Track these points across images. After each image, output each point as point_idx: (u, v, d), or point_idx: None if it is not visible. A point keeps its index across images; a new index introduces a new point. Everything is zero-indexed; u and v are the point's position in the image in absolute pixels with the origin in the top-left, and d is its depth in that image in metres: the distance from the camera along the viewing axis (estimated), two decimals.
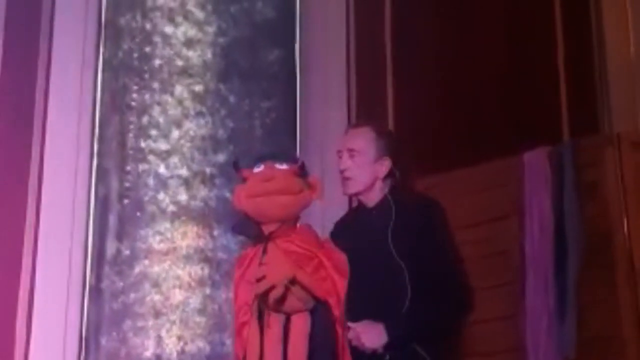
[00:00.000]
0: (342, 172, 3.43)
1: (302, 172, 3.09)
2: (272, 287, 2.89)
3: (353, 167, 3.41)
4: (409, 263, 3.24)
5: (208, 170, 4.77)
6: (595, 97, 4.55)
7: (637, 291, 3.98)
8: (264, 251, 3.02)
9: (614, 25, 4.63)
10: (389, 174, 3.46)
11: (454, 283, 3.29)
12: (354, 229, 3.37)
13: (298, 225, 3.16)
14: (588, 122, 4.51)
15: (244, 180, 3.08)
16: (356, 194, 3.44)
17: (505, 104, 4.71)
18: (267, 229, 3.04)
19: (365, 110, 4.94)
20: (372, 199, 3.43)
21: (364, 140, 3.44)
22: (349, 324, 3.11)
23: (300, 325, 2.94)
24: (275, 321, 2.94)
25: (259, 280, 2.93)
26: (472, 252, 3.98)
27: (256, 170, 3.06)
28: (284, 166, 3.07)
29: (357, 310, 3.12)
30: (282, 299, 2.90)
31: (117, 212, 4.68)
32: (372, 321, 3.21)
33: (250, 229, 3.08)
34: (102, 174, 4.74)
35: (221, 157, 4.79)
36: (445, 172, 4.47)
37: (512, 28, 4.82)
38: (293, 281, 2.89)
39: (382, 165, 3.43)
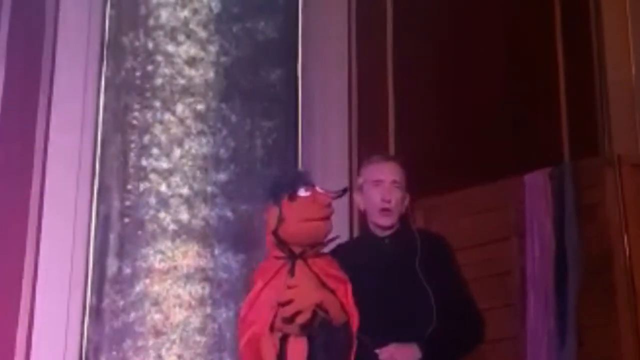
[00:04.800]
0: (387, 202, 3.40)
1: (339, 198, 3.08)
2: (299, 312, 2.87)
3: (397, 199, 3.41)
4: (433, 289, 3.26)
5: (209, 189, 4.77)
6: (595, 119, 4.56)
7: (638, 313, 3.97)
8: (292, 268, 2.97)
9: (614, 47, 4.64)
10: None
11: (470, 315, 3.33)
12: (366, 256, 3.36)
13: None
14: (588, 144, 4.51)
15: (290, 201, 2.99)
16: (391, 227, 3.43)
17: (506, 126, 4.72)
18: (296, 249, 2.99)
19: (366, 130, 4.95)
20: (389, 229, 3.44)
21: (401, 174, 3.45)
22: (377, 350, 3.15)
23: (299, 346, 2.94)
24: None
25: (284, 304, 2.88)
26: (473, 273, 3.97)
27: (304, 193, 3.01)
28: (322, 191, 3.05)
29: (381, 333, 3.16)
30: (308, 323, 2.87)
31: (118, 231, 4.68)
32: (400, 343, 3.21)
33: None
34: (104, 193, 4.74)
35: (222, 176, 4.79)
36: (446, 193, 4.47)
37: (512, 50, 4.83)
38: (320, 306, 2.88)
39: (406, 200, 3.46)
